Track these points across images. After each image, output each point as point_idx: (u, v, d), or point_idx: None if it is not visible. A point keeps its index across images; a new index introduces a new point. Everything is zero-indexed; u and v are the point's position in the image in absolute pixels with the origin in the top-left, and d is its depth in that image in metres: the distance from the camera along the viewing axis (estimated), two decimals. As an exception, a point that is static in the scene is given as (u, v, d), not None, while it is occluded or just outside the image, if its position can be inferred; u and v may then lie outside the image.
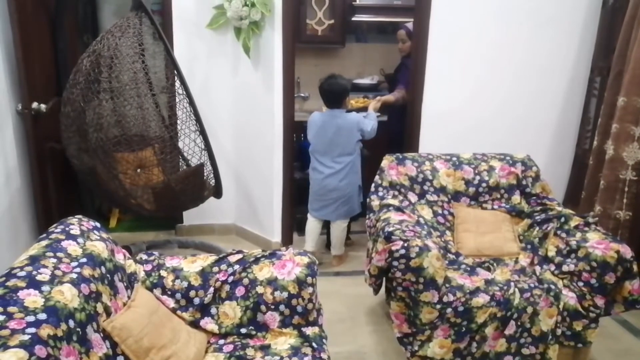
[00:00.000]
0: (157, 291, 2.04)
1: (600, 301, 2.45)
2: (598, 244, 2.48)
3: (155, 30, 2.91)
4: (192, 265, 2.12)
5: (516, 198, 3.05)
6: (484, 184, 3.06)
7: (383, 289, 2.64)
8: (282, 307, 2.05)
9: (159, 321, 1.81)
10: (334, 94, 3.48)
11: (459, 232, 2.93)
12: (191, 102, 2.99)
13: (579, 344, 2.49)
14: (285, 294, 2.06)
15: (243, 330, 2.01)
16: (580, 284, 2.47)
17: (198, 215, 3.93)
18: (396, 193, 3.03)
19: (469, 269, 2.63)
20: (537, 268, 2.64)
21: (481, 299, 2.39)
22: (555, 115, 3.76)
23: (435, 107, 3.61)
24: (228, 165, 3.92)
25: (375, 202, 2.97)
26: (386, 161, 3.13)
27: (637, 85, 3.13)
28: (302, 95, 5.01)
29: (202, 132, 3.04)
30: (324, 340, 2.01)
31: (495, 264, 2.70)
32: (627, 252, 2.43)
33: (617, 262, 2.41)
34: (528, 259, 2.74)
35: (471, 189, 3.06)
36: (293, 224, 4.04)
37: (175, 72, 2.96)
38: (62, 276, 1.56)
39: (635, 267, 2.45)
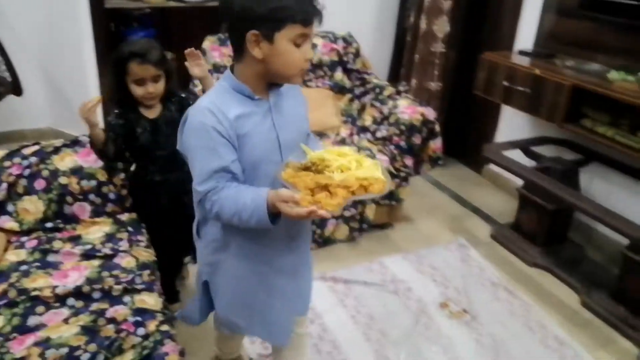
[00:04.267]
0: None
1: (409, 161, 2.69)
2: (406, 109, 2.67)
3: None
4: (-22, 161, 1.87)
5: (338, 75, 3.12)
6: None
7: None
8: (92, 197, 1.93)
9: None
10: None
11: (285, 111, 2.95)
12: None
13: (393, 201, 2.75)
14: (93, 183, 1.93)
15: (49, 225, 1.86)
16: (392, 147, 2.68)
17: (2, 120, 3.45)
18: (220, 75, 2.92)
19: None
20: (356, 138, 2.80)
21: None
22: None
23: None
24: (30, 60, 3.43)
25: (198, 88, 2.84)
26: (208, 42, 2.97)
27: (444, -41, 3.27)
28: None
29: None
30: (142, 224, 1.95)
31: (318, 138, 2.80)
32: (431, 114, 2.66)
33: (422, 124, 2.63)
34: (348, 130, 2.88)
35: (295, 68, 3.05)
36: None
37: None
38: None
39: (437, 128, 2.71)
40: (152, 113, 1.85)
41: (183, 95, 1.95)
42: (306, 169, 1.22)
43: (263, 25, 1.14)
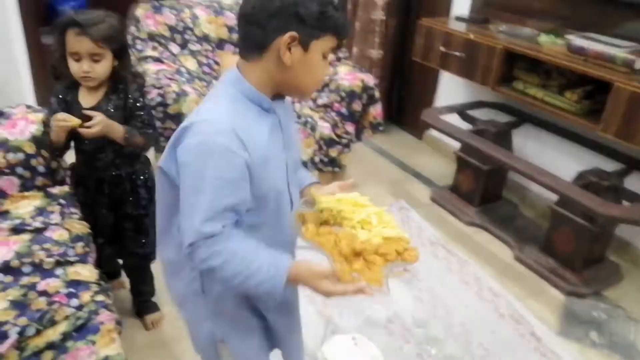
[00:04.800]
0: None
1: (350, 128, 2.71)
2: (346, 75, 2.68)
3: None
4: None
5: (279, 42, 3.08)
6: (247, 30, 3.02)
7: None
8: (19, 170, 1.85)
9: None
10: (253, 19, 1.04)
11: (225, 80, 2.90)
12: None
13: (336, 168, 2.78)
14: (21, 156, 1.84)
15: (-27, 201, 1.78)
16: (333, 114, 2.69)
17: None
18: (156, 45, 2.82)
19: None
20: (297, 105, 2.79)
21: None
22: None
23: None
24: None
25: (133, 57, 2.74)
26: (141, 10, 2.85)
27: None
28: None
29: None
30: (74, 197, 1.89)
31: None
32: (370, 80, 2.68)
33: (362, 90, 2.65)
34: (289, 99, 2.86)
35: (234, 36, 2.99)
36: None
37: None
38: None
39: (377, 94, 2.74)
40: (90, 100, 1.65)
41: (133, 85, 1.70)
42: (325, 222, 1.08)
43: (305, 28, 0.96)
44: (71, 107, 1.64)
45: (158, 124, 2.27)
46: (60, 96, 1.65)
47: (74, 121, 1.56)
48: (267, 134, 1.02)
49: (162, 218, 1.11)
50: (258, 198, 1.01)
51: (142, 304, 1.99)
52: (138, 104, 1.70)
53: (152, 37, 2.81)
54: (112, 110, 1.65)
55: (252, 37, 0.99)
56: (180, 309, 1.20)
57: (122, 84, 1.67)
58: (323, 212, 1.09)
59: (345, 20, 1.03)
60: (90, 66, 1.56)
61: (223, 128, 0.95)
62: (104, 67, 1.59)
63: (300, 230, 1.03)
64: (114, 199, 1.77)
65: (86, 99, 1.65)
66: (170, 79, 2.38)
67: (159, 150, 2.40)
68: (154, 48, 2.80)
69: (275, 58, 0.98)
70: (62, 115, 1.57)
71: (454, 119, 2.76)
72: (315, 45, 0.99)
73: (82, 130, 1.57)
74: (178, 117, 2.28)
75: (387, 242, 1.05)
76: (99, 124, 1.57)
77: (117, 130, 1.62)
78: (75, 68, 1.56)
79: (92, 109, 1.62)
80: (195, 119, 0.98)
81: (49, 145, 1.69)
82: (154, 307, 1.99)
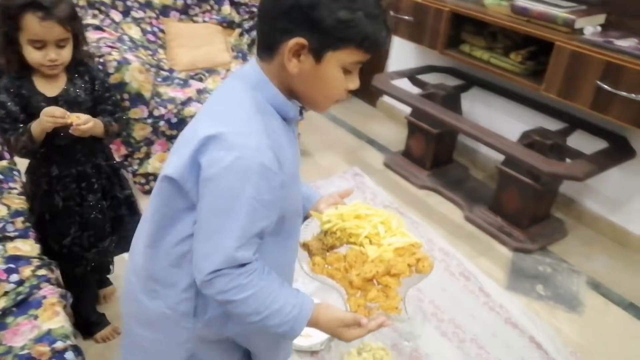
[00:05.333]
0: None
1: (301, 94, 2.68)
2: (295, 41, 2.64)
3: None
4: None
5: (226, 9, 2.99)
6: (192, -4, 2.92)
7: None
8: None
9: None
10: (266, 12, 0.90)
11: (171, 48, 2.81)
12: None
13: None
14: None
15: None
16: (283, 80, 2.65)
17: None
18: (96, 12, 2.70)
19: (181, 82, 2.59)
20: (246, 72, 2.74)
21: (193, 108, 2.41)
22: None
23: None
24: None
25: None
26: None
27: None
28: None
29: None
30: (14, 172, 1.81)
31: (207, 75, 2.71)
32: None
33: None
34: (239, 65, 2.81)
35: (179, 2, 2.89)
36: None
37: None
38: None
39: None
40: (52, 88, 1.43)
41: (94, 66, 1.56)
42: (331, 247, 1.02)
43: (317, 36, 0.81)
44: (31, 100, 1.41)
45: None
46: (12, 90, 1.40)
47: (72, 117, 1.39)
48: (292, 149, 0.92)
49: (153, 228, 0.95)
50: (278, 219, 0.91)
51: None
52: (106, 85, 1.57)
53: (91, 4, 2.68)
54: (83, 95, 1.48)
55: (261, 35, 0.87)
56: (149, 328, 1.03)
57: (82, 66, 1.49)
58: (327, 235, 1.05)
59: (383, 31, 0.84)
60: (57, 53, 1.36)
61: (262, 144, 0.82)
62: (69, 52, 1.39)
63: (308, 266, 0.99)
64: (103, 188, 1.62)
65: (47, 88, 1.42)
66: (111, 47, 2.28)
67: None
68: (94, 16, 2.67)
69: (282, 63, 0.85)
70: (59, 112, 1.36)
71: (404, 84, 2.78)
72: (332, 56, 0.83)
73: (78, 128, 1.39)
74: (121, 87, 2.20)
75: (399, 255, 1.03)
76: (90, 119, 1.42)
77: (99, 124, 1.47)
78: (38, 56, 1.34)
79: (59, 97, 1.43)
80: (222, 128, 0.82)
81: (23, 145, 1.42)
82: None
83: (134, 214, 1.73)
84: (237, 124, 0.84)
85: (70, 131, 1.40)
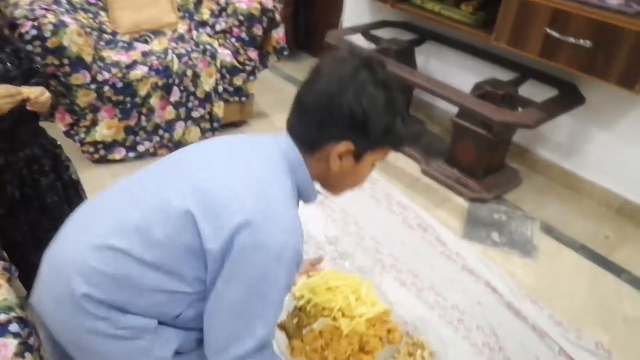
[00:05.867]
0: None
1: (253, 54, 2.61)
2: (243, -2, 2.55)
3: None
4: None
5: (170, -34, 2.86)
6: (132, -46, 2.77)
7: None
8: None
9: None
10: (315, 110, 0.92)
11: (114, 10, 2.67)
12: None
13: (243, 97, 2.70)
14: None
15: None
16: (233, 40, 2.57)
17: None
18: (28, -27, 2.53)
19: (125, 45, 2.48)
20: (194, 33, 2.64)
21: (139, 71, 2.32)
22: None
23: None
24: None
25: None
26: None
27: None
28: None
29: None
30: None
31: (153, 36, 2.60)
32: (269, 2, 2.57)
33: (261, 12, 2.54)
34: (186, 26, 2.71)
35: (119, -39, 2.74)
36: None
37: None
38: None
39: (277, 17, 2.64)
40: None
41: (18, 44, 1.44)
42: (307, 325, 1.09)
43: (364, 140, 0.89)
44: None
45: (38, 59, 2.06)
46: None
47: (26, 92, 1.29)
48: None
49: (129, 240, 0.86)
50: None
51: None
52: (30, 55, 1.46)
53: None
54: (14, 69, 1.35)
55: (305, 132, 0.91)
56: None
57: (7, 45, 1.38)
58: (301, 311, 1.08)
59: (406, 129, 0.93)
60: None
61: (300, 233, 0.87)
62: None
63: (287, 349, 1.01)
64: (53, 169, 1.52)
65: None
66: (45, 9, 2.15)
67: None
68: None
69: (323, 159, 0.91)
70: (14, 89, 1.27)
71: (358, 40, 2.73)
72: (369, 155, 0.92)
73: (37, 101, 1.30)
74: (60, 51, 2.08)
75: (371, 324, 1.12)
76: (43, 89, 1.32)
77: (49, 95, 1.36)
78: None
79: None
80: (264, 213, 0.82)
81: None
82: None
83: (79, 197, 1.65)
84: (279, 211, 0.84)
85: (28, 107, 1.31)
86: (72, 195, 1.59)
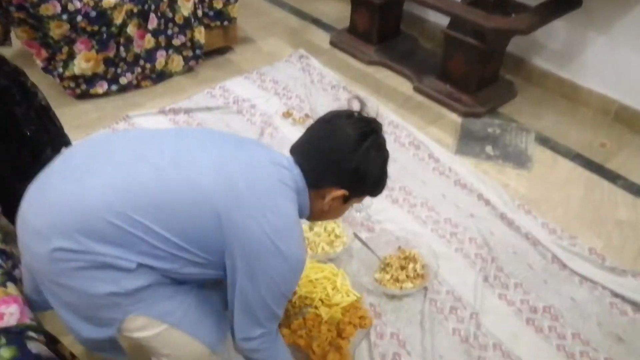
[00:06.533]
0: None
1: (231, -27, 2.47)
2: None
3: None
4: None
5: None
6: None
7: None
8: None
9: None
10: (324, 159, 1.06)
11: None
12: None
13: (225, 21, 2.58)
14: None
15: None
16: (209, -41, 2.43)
17: None
18: None
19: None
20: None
21: (112, -1, 2.20)
22: None
23: None
24: None
25: None
26: None
27: None
28: None
29: None
30: None
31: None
32: None
33: None
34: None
35: None
36: None
37: None
38: None
39: None
40: None
41: None
42: (294, 314, 1.42)
43: (357, 190, 1.07)
44: None
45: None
46: None
47: None
48: None
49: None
50: None
51: None
52: None
53: None
54: None
55: (311, 169, 1.03)
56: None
57: None
58: (288, 303, 1.27)
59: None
60: None
61: (302, 241, 1.04)
62: None
63: None
64: (26, 98, 1.44)
65: None
66: None
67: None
68: None
69: (319, 196, 1.05)
70: None
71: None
72: (354, 200, 1.10)
73: None
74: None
75: (346, 311, 1.43)
76: None
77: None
78: None
79: None
80: (279, 232, 0.95)
81: None
82: None
83: (53, 124, 1.58)
84: (290, 229, 0.98)
85: None
86: (47, 122, 1.54)
